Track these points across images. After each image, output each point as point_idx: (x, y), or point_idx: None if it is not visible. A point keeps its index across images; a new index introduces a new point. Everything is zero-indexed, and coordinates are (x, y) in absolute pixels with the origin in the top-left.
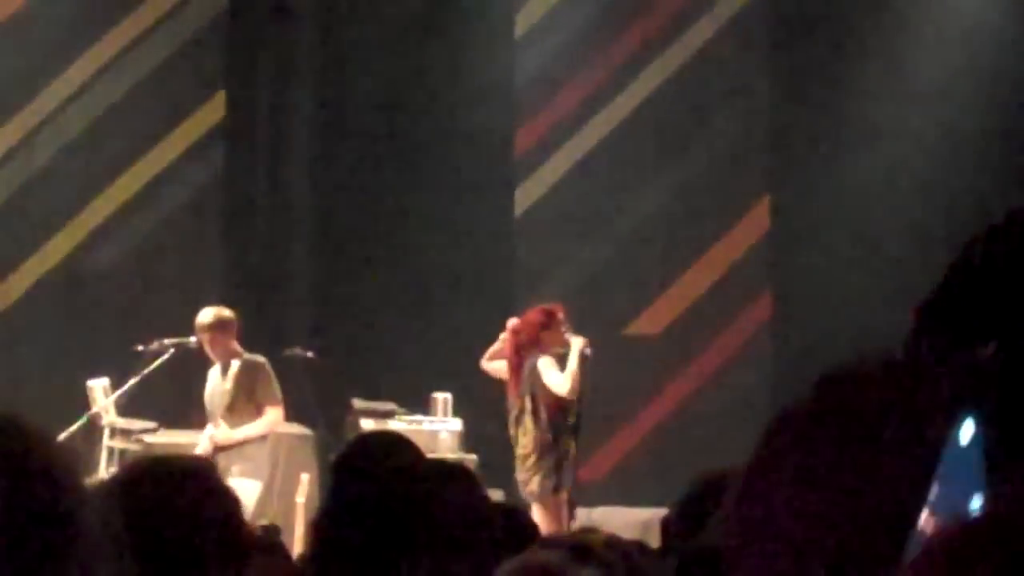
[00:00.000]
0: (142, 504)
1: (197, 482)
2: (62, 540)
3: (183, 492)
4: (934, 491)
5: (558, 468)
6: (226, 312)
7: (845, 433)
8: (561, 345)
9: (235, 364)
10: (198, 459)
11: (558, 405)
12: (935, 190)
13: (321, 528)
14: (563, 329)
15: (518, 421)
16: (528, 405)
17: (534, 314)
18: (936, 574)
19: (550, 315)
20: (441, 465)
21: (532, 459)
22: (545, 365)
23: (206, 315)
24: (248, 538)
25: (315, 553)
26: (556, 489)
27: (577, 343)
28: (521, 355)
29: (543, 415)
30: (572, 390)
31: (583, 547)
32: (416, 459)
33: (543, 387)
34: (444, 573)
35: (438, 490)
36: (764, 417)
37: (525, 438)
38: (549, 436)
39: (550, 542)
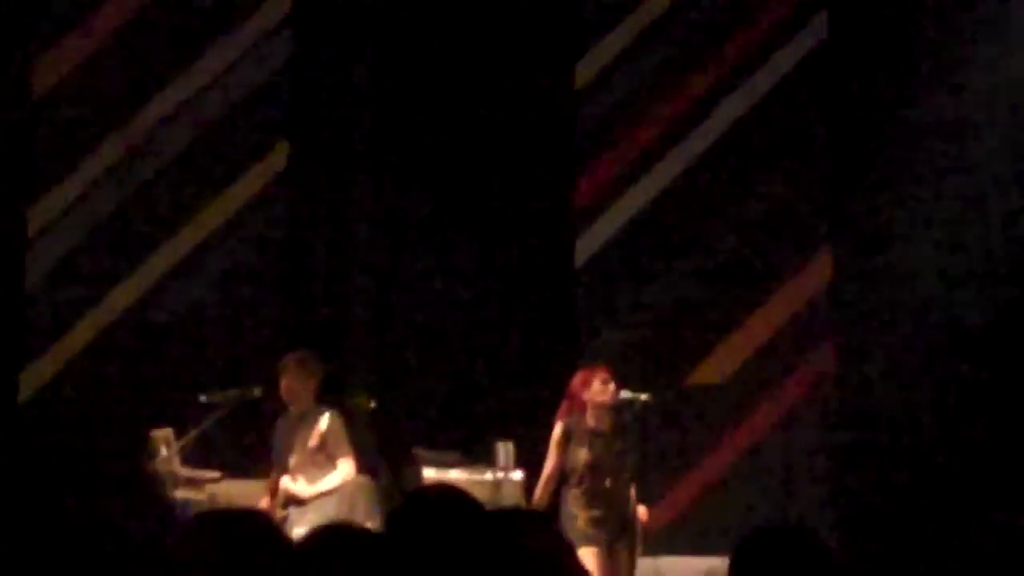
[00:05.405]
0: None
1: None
2: None
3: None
4: None
5: (583, 526)
6: (312, 358)
7: None
8: (602, 399)
9: (307, 414)
10: (258, 512)
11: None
12: (1003, 237)
13: None
14: (601, 384)
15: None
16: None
17: (575, 377)
18: None
19: (587, 373)
20: (519, 513)
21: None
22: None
23: (292, 355)
24: None
25: None
26: (587, 542)
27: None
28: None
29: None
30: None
31: None
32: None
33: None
34: None
35: (521, 537)
36: (827, 467)
37: None
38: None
39: None
